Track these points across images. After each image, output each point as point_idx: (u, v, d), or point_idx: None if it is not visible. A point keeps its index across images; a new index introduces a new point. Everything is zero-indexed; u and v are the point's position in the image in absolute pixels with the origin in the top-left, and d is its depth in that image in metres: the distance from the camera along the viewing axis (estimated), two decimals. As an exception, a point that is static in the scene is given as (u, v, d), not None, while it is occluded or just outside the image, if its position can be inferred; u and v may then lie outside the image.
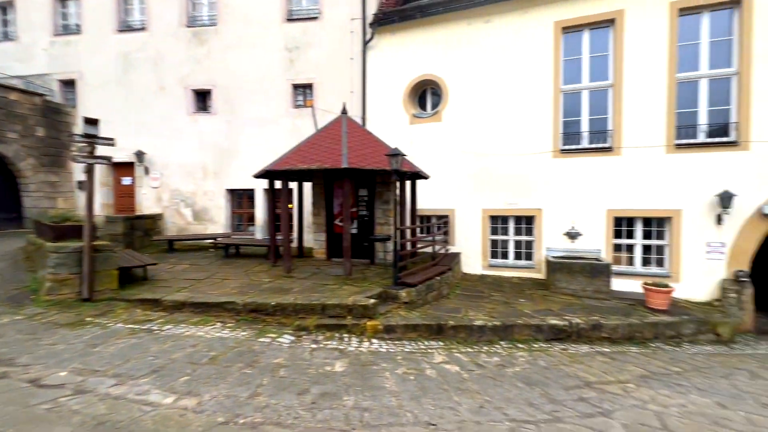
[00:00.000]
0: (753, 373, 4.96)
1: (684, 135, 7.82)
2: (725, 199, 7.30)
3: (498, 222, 9.31)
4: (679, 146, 7.77)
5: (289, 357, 4.43)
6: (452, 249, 9.35)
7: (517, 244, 9.20)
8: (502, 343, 5.46)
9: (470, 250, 9.35)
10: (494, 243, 9.37)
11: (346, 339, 5.15)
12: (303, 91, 11.17)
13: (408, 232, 8.30)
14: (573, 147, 8.58)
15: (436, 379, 4.10)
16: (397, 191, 7.67)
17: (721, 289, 7.42)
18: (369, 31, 10.08)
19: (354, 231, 8.95)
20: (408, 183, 8.72)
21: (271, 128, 10.96)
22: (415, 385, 3.93)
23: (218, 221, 11.53)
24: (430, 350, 4.99)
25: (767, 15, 7.17)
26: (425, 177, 8.50)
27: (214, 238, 10.54)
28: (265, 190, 10.70)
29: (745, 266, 7.38)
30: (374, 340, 5.16)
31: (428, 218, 9.87)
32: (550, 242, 8.68)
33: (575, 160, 8.49)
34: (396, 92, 9.97)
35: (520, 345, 5.41)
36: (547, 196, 8.71)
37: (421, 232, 9.44)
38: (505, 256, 9.29)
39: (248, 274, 7.66)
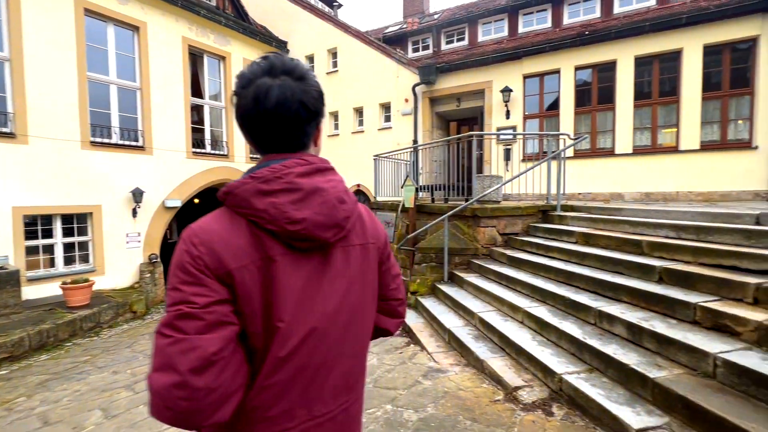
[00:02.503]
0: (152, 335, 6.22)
1: (100, 135, 8.19)
2: (137, 195, 8.50)
3: None
4: (94, 144, 8.04)
5: None
6: None
7: None
8: None
9: None
10: None
11: None
12: None
13: None
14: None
15: None
16: None
17: (140, 272, 8.68)
18: None
19: None
20: None
21: None
22: None
23: None
24: None
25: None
26: None
27: None
28: None
29: (157, 249, 9.10)
30: None
31: None
32: None
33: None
34: None
35: None
36: None
37: None
38: None
39: None
